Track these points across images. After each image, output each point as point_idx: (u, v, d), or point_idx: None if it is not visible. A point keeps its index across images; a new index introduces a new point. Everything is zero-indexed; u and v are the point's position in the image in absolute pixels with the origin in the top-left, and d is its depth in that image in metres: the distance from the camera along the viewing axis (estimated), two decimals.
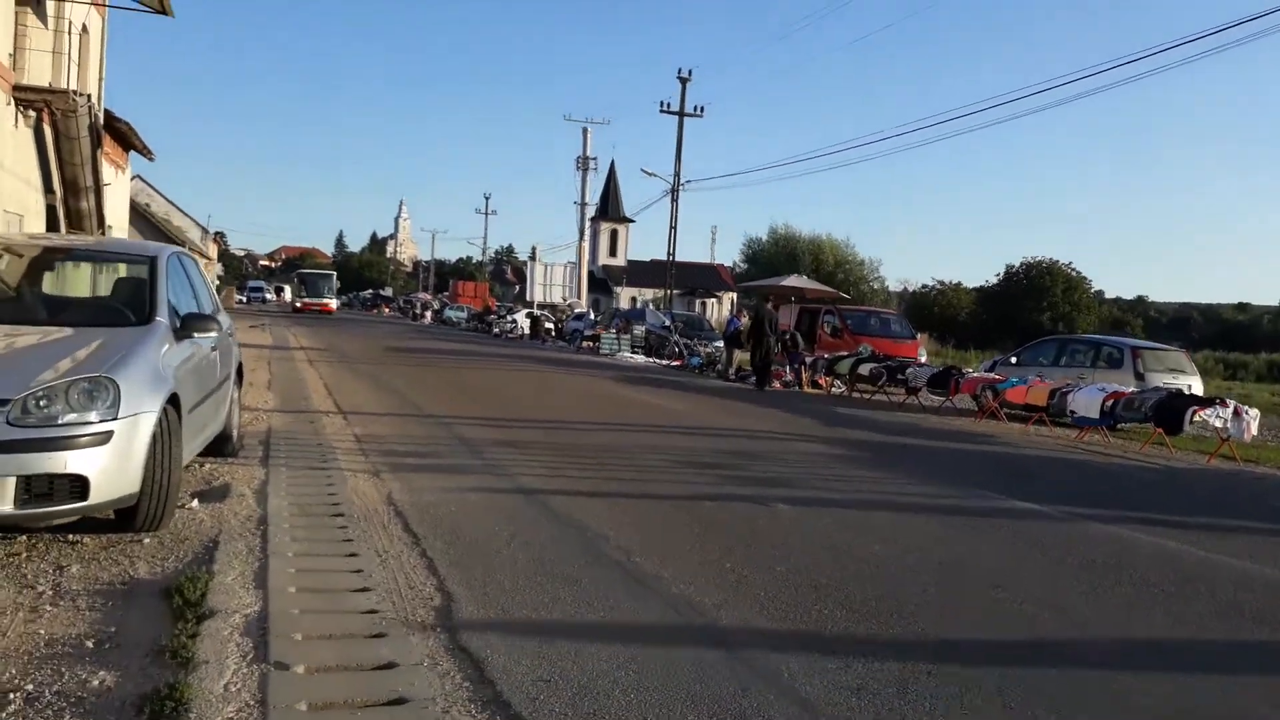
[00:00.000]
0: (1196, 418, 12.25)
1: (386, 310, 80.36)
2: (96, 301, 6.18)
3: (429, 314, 64.59)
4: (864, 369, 18.63)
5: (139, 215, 42.47)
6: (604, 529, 5.85)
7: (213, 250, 78.75)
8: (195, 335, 6.03)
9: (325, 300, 56.92)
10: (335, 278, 64.02)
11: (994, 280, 76.35)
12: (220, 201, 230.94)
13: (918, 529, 6.50)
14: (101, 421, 4.67)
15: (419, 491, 6.70)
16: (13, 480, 4.39)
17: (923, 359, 23.17)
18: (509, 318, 45.95)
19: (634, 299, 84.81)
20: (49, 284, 6.39)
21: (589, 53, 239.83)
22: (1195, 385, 16.21)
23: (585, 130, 53.45)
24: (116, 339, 5.37)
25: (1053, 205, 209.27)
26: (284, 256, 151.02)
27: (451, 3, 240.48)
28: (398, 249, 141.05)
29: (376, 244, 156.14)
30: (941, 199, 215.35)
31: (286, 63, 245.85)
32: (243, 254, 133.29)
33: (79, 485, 4.57)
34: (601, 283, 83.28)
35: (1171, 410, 12.50)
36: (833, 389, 20.11)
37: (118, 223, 27.31)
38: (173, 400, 5.31)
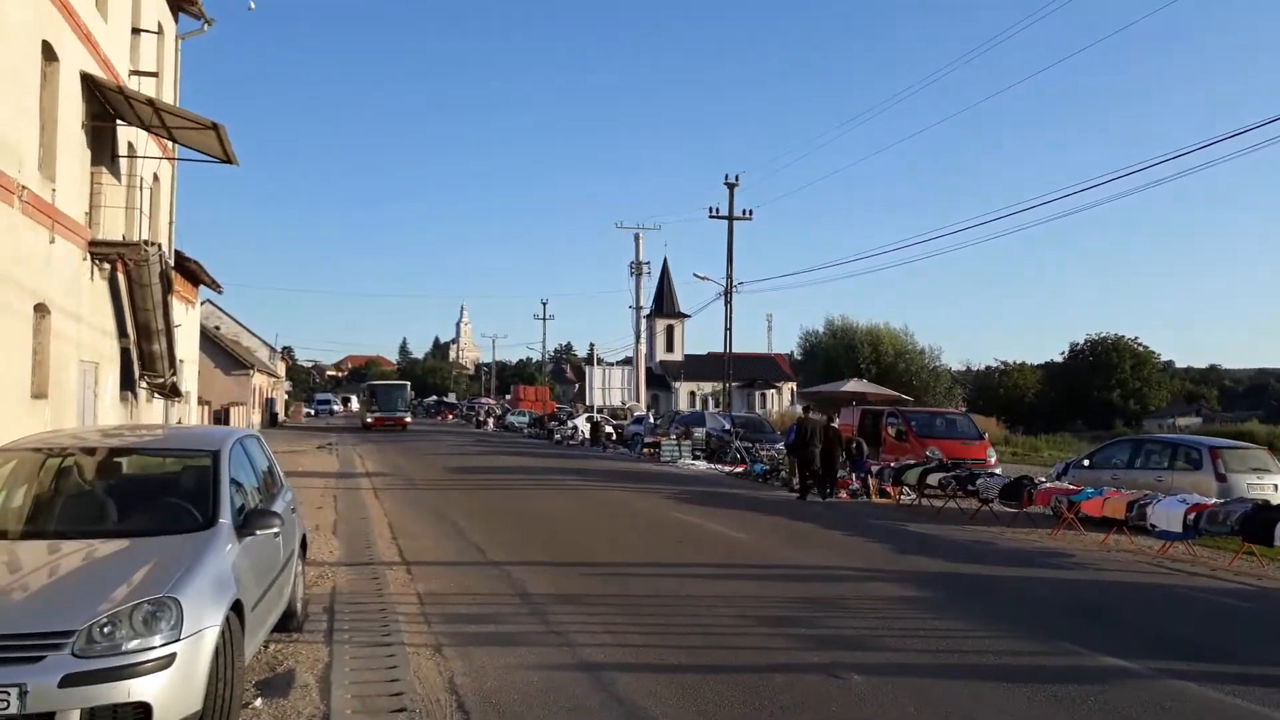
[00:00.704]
0: None
1: (450, 417, 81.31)
2: (159, 505, 6.24)
3: (491, 420, 65.19)
4: (932, 479, 18.21)
5: (209, 341, 43.84)
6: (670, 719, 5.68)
7: (281, 367, 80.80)
8: (258, 533, 6.08)
9: (399, 414, 53.72)
10: (409, 388, 60.75)
11: (1059, 357, 75.12)
12: (286, 318, 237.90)
13: (1001, 705, 6.19)
14: (164, 645, 4.69)
15: (481, 674, 6.59)
16: (76, 714, 4.39)
17: (992, 459, 22.69)
18: (569, 424, 46.10)
19: (692, 393, 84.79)
20: (112, 488, 6.49)
21: (639, 157, 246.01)
22: None
23: (637, 236, 54.30)
24: (178, 550, 5.41)
25: (1116, 277, 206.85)
26: (349, 366, 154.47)
27: (504, 117, 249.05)
28: (460, 354, 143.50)
29: (439, 349, 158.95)
30: (1001, 280, 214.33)
31: (344, 181, 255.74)
32: (310, 366, 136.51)
33: (143, 713, 4.57)
34: (660, 379, 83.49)
35: (1260, 523, 11.92)
36: (901, 498, 19.67)
37: (189, 356, 28.17)
38: (235, 606, 5.33)
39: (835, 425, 22.89)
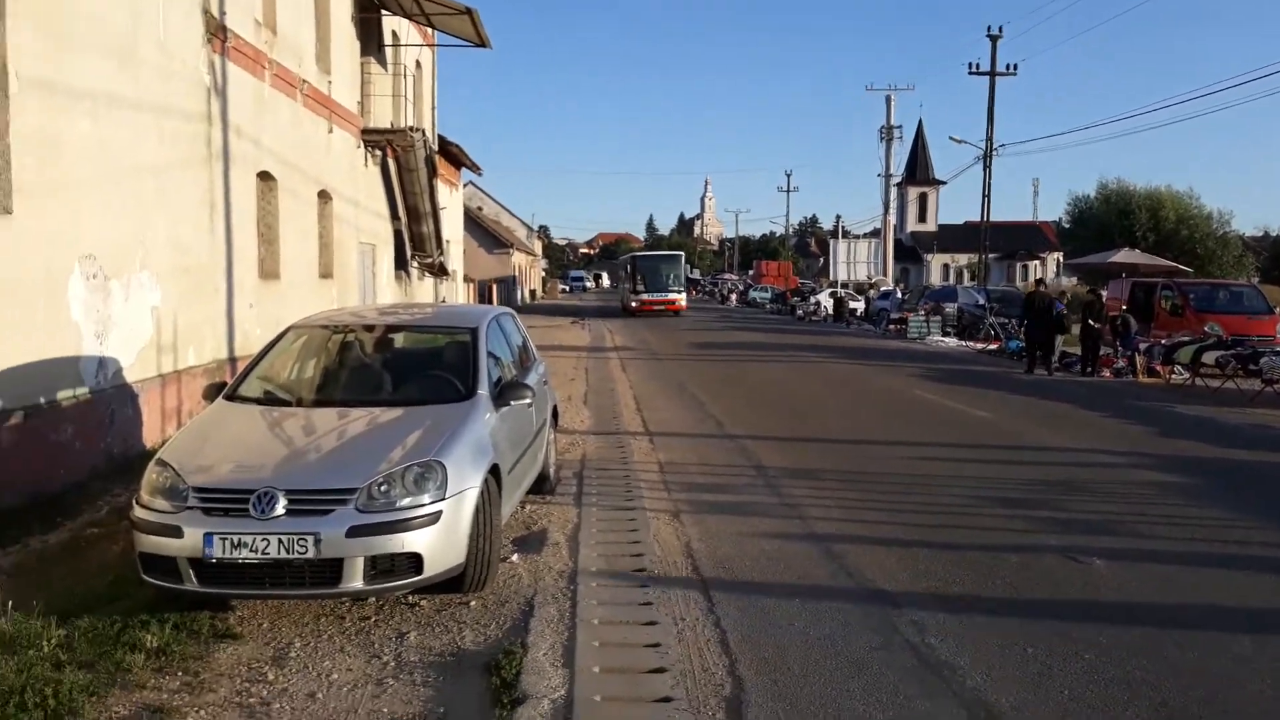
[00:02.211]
0: None
1: (694, 293, 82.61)
2: (425, 377, 6.88)
3: (734, 296, 65.61)
4: (1208, 357, 16.75)
5: (472, 221, 46.50)
6: (898, 596, 5.77)
7: (538, 246, 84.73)
8: (512, 403, 6.60)
9: (671, 296, 42.73)
10: (683, 260, 48.21)
11: None
12: (542, 198, 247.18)
13: (1259, 595, 5.83)
14: (432, 503, 5.25)
15: (715, 540, 6.94)
16: (361, 560, 5.05)
17: None
18: (812, 299, 45.64)
19: (946, 266, 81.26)
20: (386, 361, 7.21)
21: (891, 14, 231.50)
22: None
23: (889, 98, 51.69)
24: (442, 418, 5.99)
25: None
26: (600, 243, 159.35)
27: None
28: (704, 229, 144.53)
29: (684, 225, 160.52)
30: None
31: (593, 66, 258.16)
32: (564, 243, 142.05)
33: (415, 562, 5.18)
34: (910, 250, 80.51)
35: None
36: (1172, 378, 18.27)
37: (454, 236, 30.07)
38: (493, 470, 5.88)
39: (1102, 297, 21.44)
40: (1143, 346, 19.23)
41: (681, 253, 52.69)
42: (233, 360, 11.80)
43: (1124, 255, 27.52)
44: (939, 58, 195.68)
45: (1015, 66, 38.13)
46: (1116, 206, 51.73)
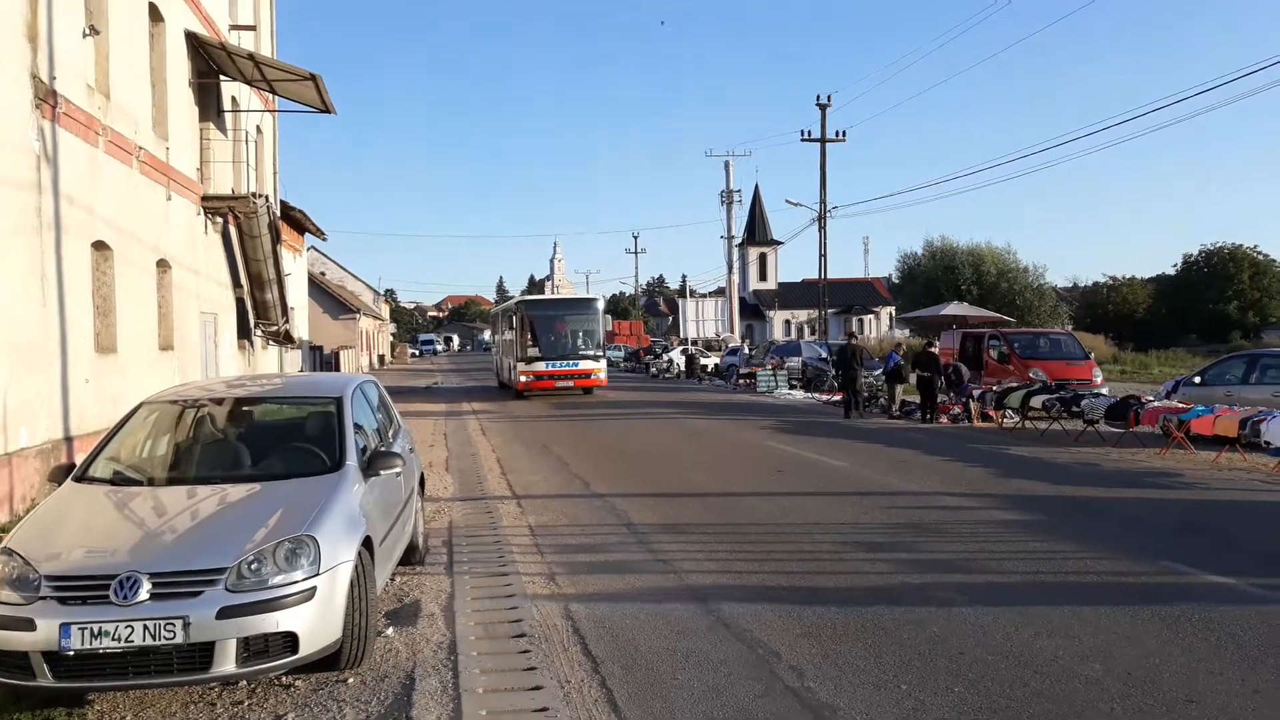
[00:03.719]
0: None
1: None
2: (289, 450, 6.68)
3: None
4: (1035, 401, 17.95)
5: (316, 286, 45.29)
6: (775, 644, 5.94)
7: (384, 310, 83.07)
8: (382, 473, 6.49)
9: (584, 365, 28.64)
10: (600, 311, 30.88)
11: (1172, 270, 72.00)
12: (387, 262, 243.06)
13: (1102, 625, 6.27)
14: (305, 579, 5.10)
15: (593, 601, 6.96)
16: (233, 642, 4.84)
17: (1098, 379, 22.15)
18: (664, 357, 46.44)
19: (787, 322, 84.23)
20: (244, 436, 6.96)
21: (727, 85, 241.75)
22: None
23: (727, 164, 53.79)
24: (311, 491, 5.83)
25: (1232, 184, 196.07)
26: (449, 305, 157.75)
27: (590, 61, 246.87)
28: (555, 290, 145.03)
29: (534, 286, 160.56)
30: (1108, 192, 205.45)
31: (436, 127, 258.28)
32: (412, 307, 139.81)
33: (290, 641, 5.00)
34: (754, 308, 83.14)
35: None
36: (1004, 421, 19.46)
37: (298, 303, 29.24)
38: (366, 542, 5.75)
39: (935, 349, 22.70)
40: (975, 393, 20.42)
41: (599, 297, 33.82)
42: (69, 439, 11.12)
43: (953, 308, 29.29)
44: (774, 124, 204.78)
45: (844, 133, 40.41)
46: (942, 262, 55.07)
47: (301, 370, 28.34)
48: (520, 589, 7.30)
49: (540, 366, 28.17)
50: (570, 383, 28.36)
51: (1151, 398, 16.74)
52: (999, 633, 6.12)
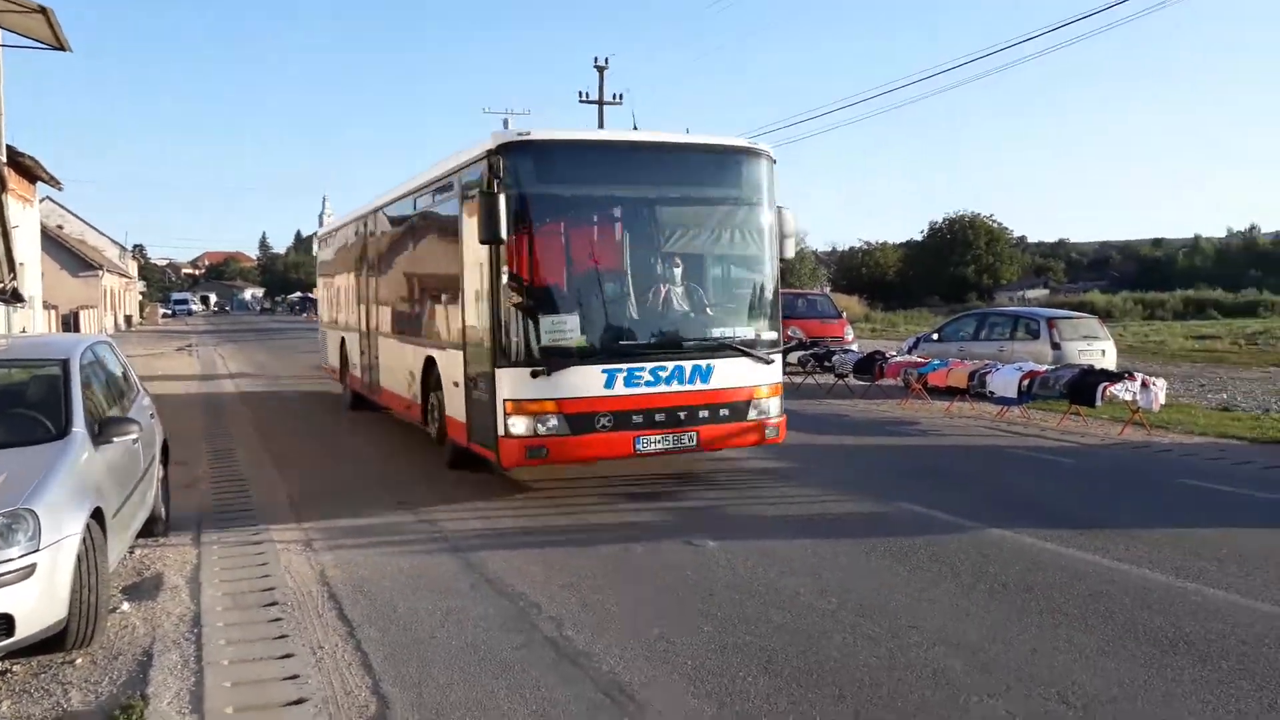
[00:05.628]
0: (1107, 393, 12.73)
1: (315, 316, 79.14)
2: (9, 417, 6.08)
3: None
4: (792, 357, 18.95)
5: (51, 241, 41.27)
6: (534, 594, 6.02)
7: (132, 267, 76.78)
8: (115, 440, 6.03)
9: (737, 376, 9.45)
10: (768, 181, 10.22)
11: (919, 236, 77.83)
12: (139, 216, 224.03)
13: (841, 560, 6.76)
14: (23, 556, 4.69)
15: (352, 566, 6.79)
16: None
17: (849, 337, 23.63)
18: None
19: None
20: None
21: (507, 47, 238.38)
22: (1109, 350, 16.87)
23: (505, 122, 52.86)
24: (32, 461, 5.35)
25: (975, 158, 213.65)
26: (207, 263, 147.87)
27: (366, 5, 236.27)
28: None
29: (302, 243, 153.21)
30: (867, 163, 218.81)
31: (193, 71, 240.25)
32: (165, 264, 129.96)
33: (5, 623, 4.59)
34: None
35: (1084, 387, 12.96)
36: None
37: (29, 259, 26.62)
38: (96, 514, 5.34)
39: None
40: None
41: (764, 150, 9.80)
42: None
43: None
44: (556, 88, 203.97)
45: (621, 96, 40.70)
46: None
47: (26, 331, 25.86)
48: (273, 557, 7.02)
49: (595, 380, 8.44)
50: (688, 437, 8.84)
51: (894, 353, 18.06)
52: (746, 573, 6.47)
